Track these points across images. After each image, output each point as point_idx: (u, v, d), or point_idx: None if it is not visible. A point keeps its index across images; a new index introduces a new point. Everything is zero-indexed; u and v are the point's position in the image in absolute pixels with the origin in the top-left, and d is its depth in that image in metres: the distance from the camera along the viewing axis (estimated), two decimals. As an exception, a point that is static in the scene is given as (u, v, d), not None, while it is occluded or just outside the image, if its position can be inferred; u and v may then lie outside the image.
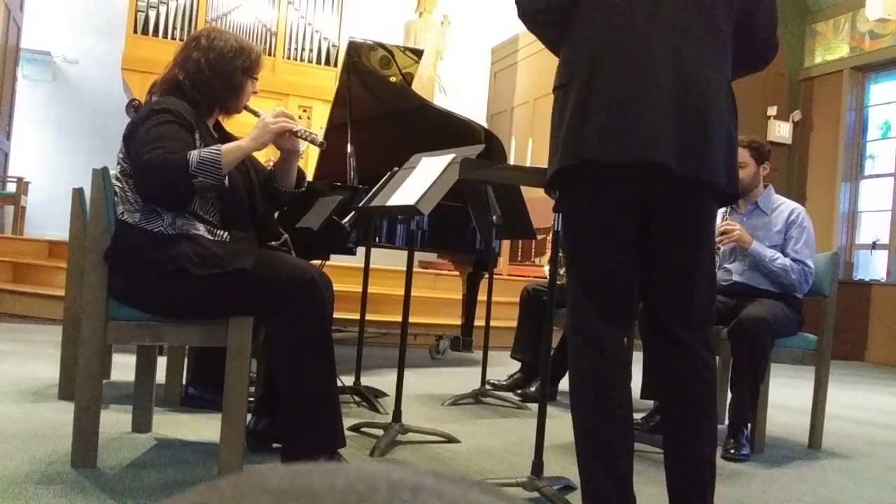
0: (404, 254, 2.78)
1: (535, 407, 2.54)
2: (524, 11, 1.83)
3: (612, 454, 1.70)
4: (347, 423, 2.64)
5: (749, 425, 2.90)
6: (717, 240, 3.13)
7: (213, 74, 2.21)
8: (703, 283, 1.79)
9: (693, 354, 1.76)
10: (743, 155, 3.13)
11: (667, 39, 1.67)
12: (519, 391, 3.69)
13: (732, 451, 2.81)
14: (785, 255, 3.07)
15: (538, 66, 9.34)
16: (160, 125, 2.05)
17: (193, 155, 1.98)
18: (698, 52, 1.69)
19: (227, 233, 2.09)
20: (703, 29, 1.71)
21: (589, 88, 1.67)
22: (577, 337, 1.76)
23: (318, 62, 8.74)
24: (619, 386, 1.74)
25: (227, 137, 2.33)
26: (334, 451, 2.10)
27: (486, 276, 3.88)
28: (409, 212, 2.44)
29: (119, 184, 2.10)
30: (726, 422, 2.96)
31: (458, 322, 4.53)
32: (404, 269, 2.68)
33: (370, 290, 3.46)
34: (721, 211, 3.21)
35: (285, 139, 2.24)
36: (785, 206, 3.18)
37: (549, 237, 2.69)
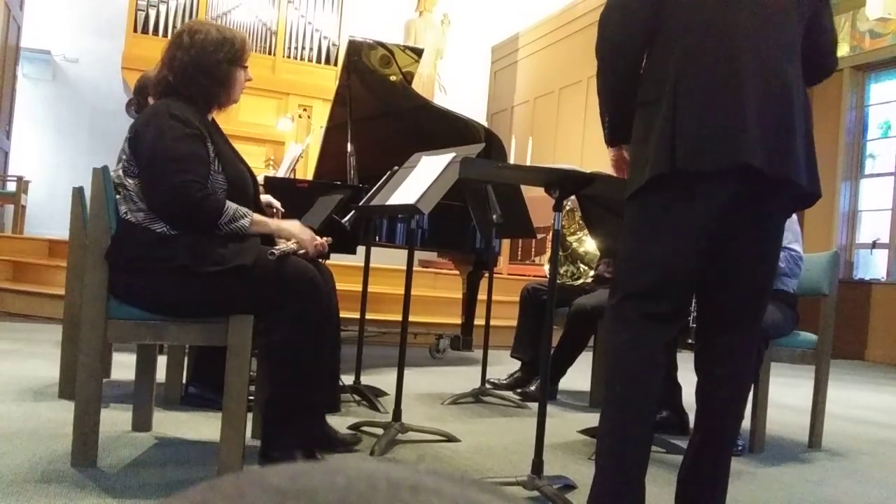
0: (404, 253, 2.78)
1: (535, 406, 2.54)
2: (622, 40, 1.77)
3: (630, 449, 1.72)
4: (347, 422, 2.65)
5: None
6: None
7: (197, 71, 2.18)
8: (760, 289, 1.81)
9: (738, 362, 1.79)
10: None
11: (749, 48, 1.68)
12: (519, 390, 3.69)
13: None
14: None
15: (538, 65, 9.33)
16: (181, 140, 2.06)
17: (230, 211, 2.06)
18: (778, 54, 1.71)
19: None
20: (780, 36, 1.72)
21: (676, 101, 1.67)
22: (617, 333, 1.76)
23: (319, 61, 8.75)
24: (648, 384, 1.74)
25: (222, 135, 2.31)
26: (312, 452, 2.12)
27: (486, 275, 3.88)
28: (409, 211, 2.44)
29: (123, 183, 2.10)
30: None
31: (458, 321, 4.53)
32: (404, 268, 2.68)
33: (370, 289, 3.46)
34: None
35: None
36: None
37: (549, 236, 2.69)
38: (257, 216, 2.15)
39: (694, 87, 1.67)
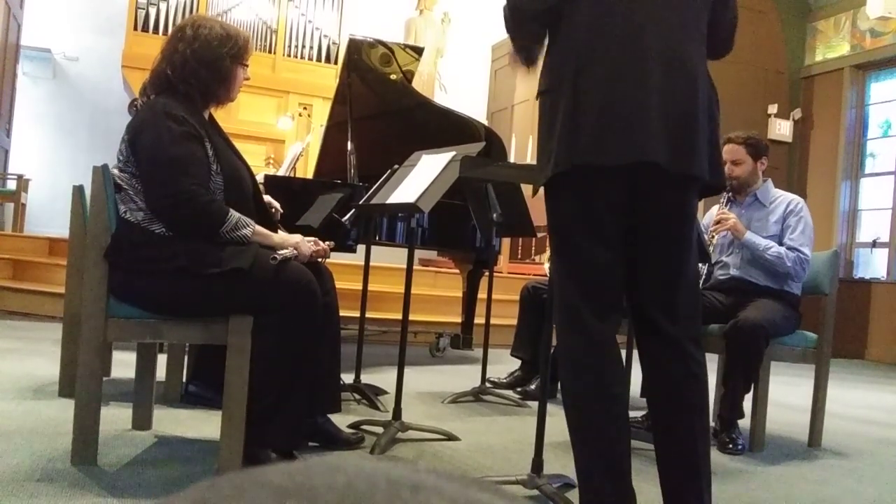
0: (404, 251, 2.78)
1: (535, 405, 2.54)
2: (532, 11, 1.77)
3: (610, 451, 1.69)
4: (347, 420, 2.65)
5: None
6: (711, 229, 3.14)
7: (199, 65, 2.17)
8: (687, 279, 1.79)
9: (683, 351, 1.75)
10: (739, 152, 3.16)
11: (652, 35, 1.66)
12: (519, 389, 3.69)
13: (730, 445, 2.83)
14: (782, 244, 3.07)
15: (539, 64, 9.32)
16: (180, 142, 2.06)
17: (233, 219, 2.06)
18: (681, 45, 1.69)
19: None
20: (685, 23, 1.71)
21: (577, 92, 1.65)
22: (571, 335, 1.75)
23: (319, 60, 8.74)
24: (615, 382, 1.73)
25: (220, 132, 2.30)
26: (290, 454, 2.13)
27: (487, 273, 3.88)
28: (409, 209, 2.44)
29: (123, 184, 2.10)
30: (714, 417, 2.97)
31: (459, 320, 4.53)
32: (404, 266, 2.68)
33: (370, 287, 3.46)
34: (719, 203, 3.23)
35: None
36: (784, 198, 3.19)
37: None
38: (260, 228, 2.15)
39: (596, 77, 1.65)
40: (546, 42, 1.83)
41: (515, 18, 1.82)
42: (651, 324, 1.78)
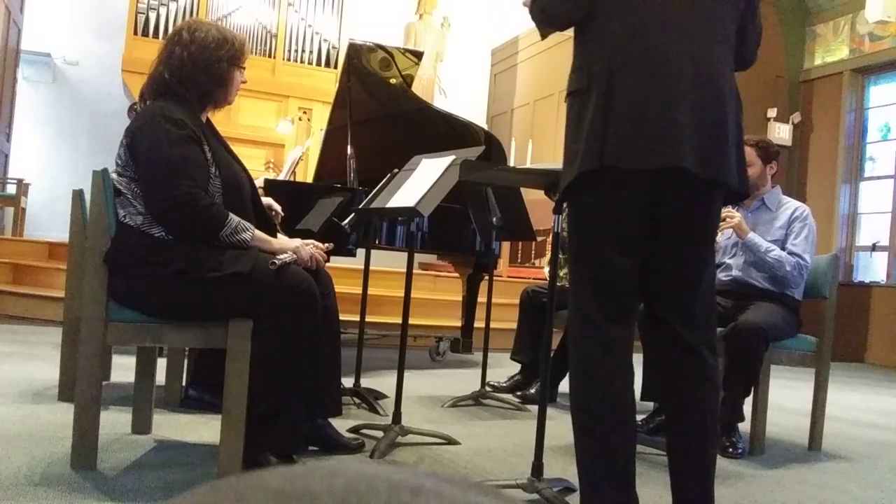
0: (404, 255, 2.78)
1: (535, 408, 2.54)
2: (562, 18, 1.80)
3: (616, 457, 1.69)
4: (347, 424, 2.65)
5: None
6: None
7: (196, 68, 2.18)
8: (705, 285, 1.79)
9: (699, 356, 1.77)
10: (749, 154, 3.17)
11: (683, 42, 1.68)
12: (519, 393, 3.68)
13: (730, 449, 2.83)
14: (784, 249, 3.08)
15: (538, 67, 9.34)
16: (178, 144, 2.06)
17: (232, 223, 2.06)
18: (712, 53, 1.71)
19: None
20: (715, 30, 1.73)
21: (610, 94, 1.66)
22: (584, 338, 1.75)
23: (318, 64, 8.75)
24: (625, 389, 1.73)
25: (217, 136, 2.30)
26: (290, 458, 2.12)
27: (486, 277, 3.88)
28: (409, 213, 2.44)
29: (122, 188, 2.10)
30: None
31: (458, 324, 4.53)
32: (404, 270, 2.68)
33: (370, 291, 3.46)
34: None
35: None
36: (790, 205, 3.21)
37: (549, 239, 2.69)
38: (259, 233, 2.15)
39: (628, 82, 1.66)
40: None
41: (544, 21, 1.83)
42: (667, 329, 1.79)
